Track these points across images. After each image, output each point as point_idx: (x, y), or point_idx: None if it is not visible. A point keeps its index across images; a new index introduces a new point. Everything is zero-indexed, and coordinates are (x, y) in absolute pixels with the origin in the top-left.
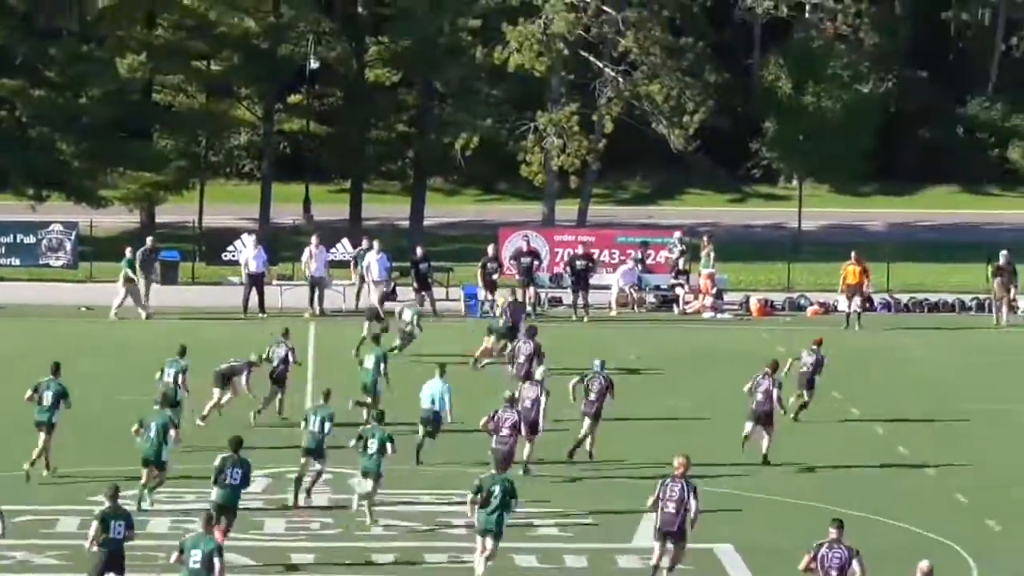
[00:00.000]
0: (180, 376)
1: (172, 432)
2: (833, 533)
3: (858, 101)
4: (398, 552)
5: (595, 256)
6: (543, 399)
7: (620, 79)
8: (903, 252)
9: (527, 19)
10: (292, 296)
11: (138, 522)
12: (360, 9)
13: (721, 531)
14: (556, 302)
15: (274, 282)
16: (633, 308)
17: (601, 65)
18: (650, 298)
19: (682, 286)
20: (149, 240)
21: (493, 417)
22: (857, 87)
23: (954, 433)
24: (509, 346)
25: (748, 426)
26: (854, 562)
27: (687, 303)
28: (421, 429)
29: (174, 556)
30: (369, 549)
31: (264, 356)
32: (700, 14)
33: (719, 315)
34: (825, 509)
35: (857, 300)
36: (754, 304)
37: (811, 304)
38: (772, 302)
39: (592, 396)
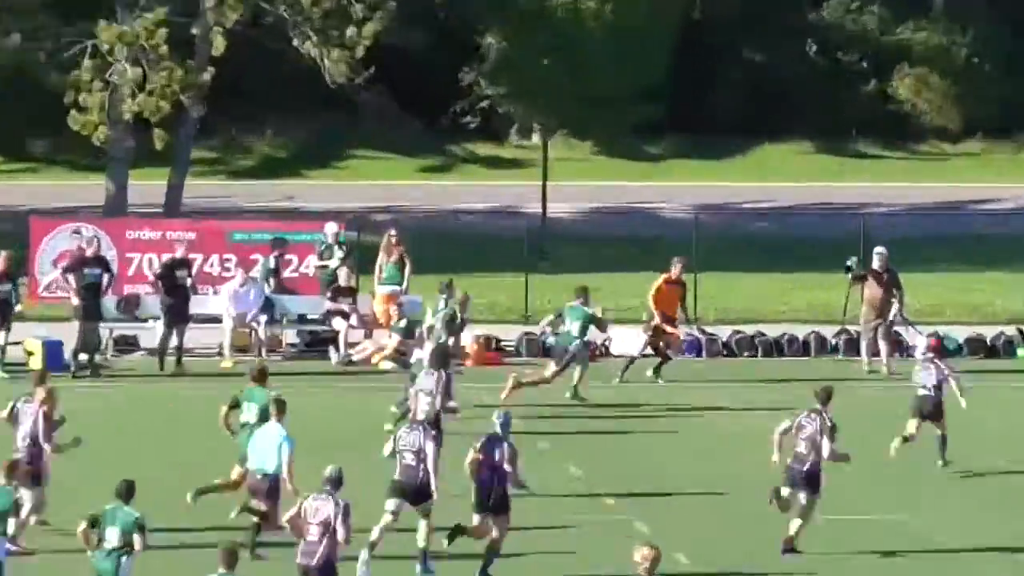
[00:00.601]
0: None
1: None
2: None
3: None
4: None
5: (193, 265)
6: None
7: None
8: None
9: None
10: None
11: None
12: None
13: None
14: (130, 344)
15: None
16: (259, 353)
17: None
18: (291, 336)
19: (345, 316)
20: None
21: (300, 511)
22: None
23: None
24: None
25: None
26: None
27: (356, 344)
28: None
29: None
30: None
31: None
32: None
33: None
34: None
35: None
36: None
37: None
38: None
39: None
